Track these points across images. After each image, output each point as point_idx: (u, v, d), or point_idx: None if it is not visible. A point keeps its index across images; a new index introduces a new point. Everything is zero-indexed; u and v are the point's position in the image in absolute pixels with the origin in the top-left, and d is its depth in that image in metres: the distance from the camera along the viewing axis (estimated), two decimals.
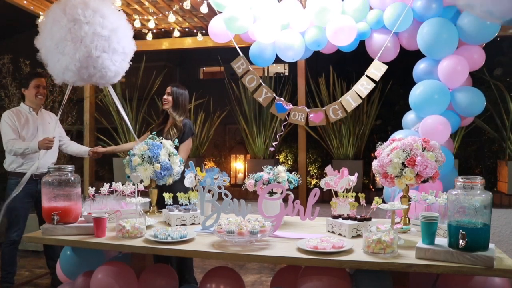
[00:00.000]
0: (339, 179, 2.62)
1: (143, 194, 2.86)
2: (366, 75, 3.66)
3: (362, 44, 3.73)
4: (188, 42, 4.99)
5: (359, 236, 2.29)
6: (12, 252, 3.51)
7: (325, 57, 4.08)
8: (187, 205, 2.76)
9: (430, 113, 3.36)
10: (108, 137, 5.58)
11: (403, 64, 3.84)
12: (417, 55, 3.54)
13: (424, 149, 2.36)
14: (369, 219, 2.37)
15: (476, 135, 5.70)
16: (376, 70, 3.62)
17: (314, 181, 7.17)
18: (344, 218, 2.37)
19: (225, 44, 4.02)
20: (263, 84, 4.03)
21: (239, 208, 2.27)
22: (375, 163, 2.51)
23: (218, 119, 5.67)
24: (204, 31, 4.78)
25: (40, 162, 3.48)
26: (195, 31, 4.93)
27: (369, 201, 2.46)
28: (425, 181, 2.39)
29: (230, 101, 5.48)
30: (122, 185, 2.86)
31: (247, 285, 3.12)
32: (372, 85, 3.67)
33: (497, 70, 5.52)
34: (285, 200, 2.32)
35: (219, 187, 2.39)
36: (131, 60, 3.32)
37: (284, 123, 4.12)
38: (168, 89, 3.46)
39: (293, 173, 2.84)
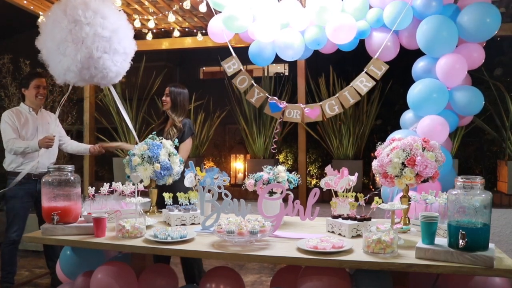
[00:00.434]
0: (339, 179, 2.62)
1: (143, 194, 2.86)
2: (366, 72, 3.64)
3: (362, 44, 3.73)
4: (188, 42, 4.99)
5: (359, 236, 2.28)
6: (12, 252, 3.51)
7: (325, 57, 4.07)
8: (187, 205, 2.76)
9: (428, 112, 3.36)
10: (108, 137, 5.58)
11: (403, 63, 3.84)
12: (417, 54, 3.53)
13: (424, 149, 2.36)
14: (369, 219, 2.37)
15: (476, 135, 5.70)
16: (376, 68, 3.60)
17: (314, 181, 7.17)
18: (344, 218, 2.37)
19: (225, 43, 4.02)
20: (255, 85, 3.96)
21: (239, 208, 2.27)
22: (375, 163, 2.51)
23: (218, 119, 5.67)
24: (204, 31, 4.78)
25: (40, 162, 3.48)
26: (195, 31, 4.93)
27: (369, 201, 2.46)
28: (425, 181, 2.39)
29: (230, 101, 5.48)
30: (122, 185, 2.86)
31: (247, 285, 3.12)
32: (373, 83, 3.65)
33: (497, 70, 5.52)
34: (285, 200, 2.32)
35: (219, 187, 2.39)
36: (131, 60, 3.32)
37: (279, 121, 4.05)
38: (166, 90, 3.47)
39: (293, 173, 2.84)
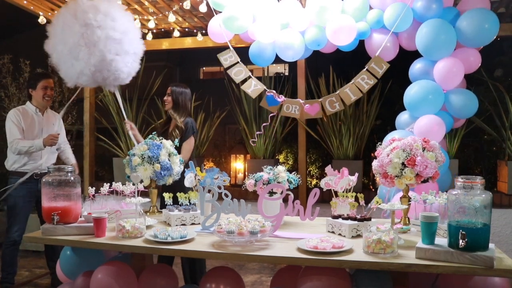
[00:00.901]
0: (339, 179, 2.62)
1: (143, 194, 2.86)
2: (367, 69, 3.63)
3: (361, 44, 3.73)
4: (188, 42, 5.00)
5: (359, 236, 2.29)
6: (13, 253, 3.51)
7: (325, 56, 4.06)
8: (187, 205, 2.76)
9: (424, 113, 3.41)
10: (108, 137, 5.58)
11: (403, 63, 3.84)
12: (417, 54, 3.54)
13: (424, 149, 2.37)
14: (369, 219, 2.37)
15: (476, 136, 5.70)
16: (378, 66, 3.59)
17: (314, 181, 7.16)
18: (344, 218, 2.37)
19: (225, 44, 4.01)
20: (252, 77, 3.86)
21: (239, 208, 2.27)
22: (375, 163, 2.51)
23: (218, 119, 5.67)
24: (204, 31, 4.78)
25: (44, 162, 3.48)
26: (195, 31, 4.93)
27: (368, 201, 2.46)
28: (425, 181, 2.39)
29: (230, 101, 5.48)
30: (122, 185, 2.87)
31: (247, 285, 3.12)
32: (374, 81, 3.61)
33: (497, 71, 5.52)
34: (285, 200, 2.32)
35: (219, 187, 2.39)
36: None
37: (271, 115, 3.95)
38: (168, 90, 3.47)
39: (293, 173, 2.84)
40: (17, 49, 5.90)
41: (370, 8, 3.59)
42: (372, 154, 5.99)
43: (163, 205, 2.88)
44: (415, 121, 3.46)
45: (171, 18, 4.35)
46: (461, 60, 3.34)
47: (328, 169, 2.72)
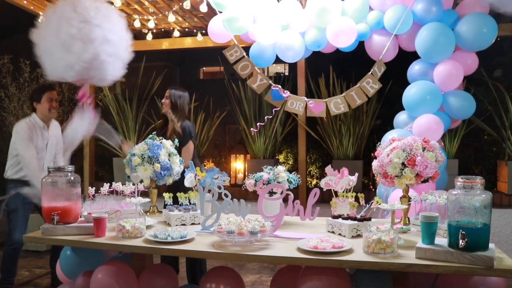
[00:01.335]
0: (339, 179, 2.62)
1: (143, 194, 2.86)
2: (372, 73, 3.64)
3: (361, 44, 3.73)
4: (188, 42, 4.99)
5: (359, 236, 2.29)
6: (15, 254, 3.49)
7: (325, 57, 4.06)
8: (187, 205, 2.76)
9: (422, 113, 3.44)
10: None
11: (402, 64, 3.84)
12: (416, 55, 3.56)
13: (424, 149, 2.37)
14: (369, 219, 2.37)
15: (476, 136, 5.70)
16: (378, 69, 3.62)
17: (314, 181, 7.16)
18: (344, 218, 2.37)
19: (225, 44, 4.01)
20: (259, 71, 3.88)
21: (239, 208, 2.27)
22: (375, 163, 2.51)
23: (218, 119, 5.66)
24: (204, 31, 4.78)
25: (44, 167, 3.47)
26: (195, 31, 4.93)
27: (368, 201, 2.46)
28: (425, 181, 2.39)
29: (230, 101, 5.48)
30: (122, 185, 2.87)
31: (247, 285, 3.12)
32: (379, 85, 3.66)
33: (497, 72, 5.52)
34: (285, 200, 2.32)
35: (219, 187, 2.39)
36: (131, 60, 3.33)
37: (275, 109, 3.96)
38: (166, 92, 3.47)
39: (293, 173, 2.84)
40: (17, 49, 5.88)
41: (370, 9, 3.59)
42: (372, 154, 5.98)
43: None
44: (413, 120, 3.48)
45: (171, 18, 4.35)
46: (460, 62, 3.38)
47: (328, 169, 2.72)
